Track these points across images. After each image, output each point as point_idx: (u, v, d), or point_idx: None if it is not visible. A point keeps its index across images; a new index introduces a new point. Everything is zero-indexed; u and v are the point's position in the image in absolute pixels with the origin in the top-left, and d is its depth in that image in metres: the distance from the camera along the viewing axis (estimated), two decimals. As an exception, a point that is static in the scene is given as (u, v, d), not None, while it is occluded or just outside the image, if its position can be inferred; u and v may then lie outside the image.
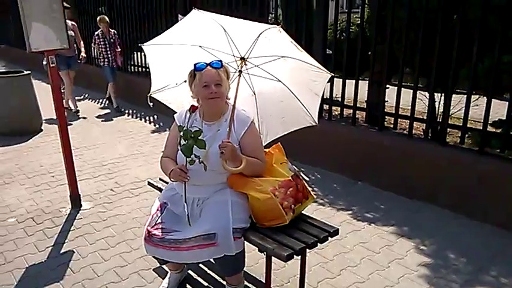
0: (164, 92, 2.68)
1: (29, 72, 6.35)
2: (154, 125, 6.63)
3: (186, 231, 2.28)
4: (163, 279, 2.76)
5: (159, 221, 2.35)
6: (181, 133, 2.25)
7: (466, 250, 3.16)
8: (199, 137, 2.21)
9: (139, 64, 7.98)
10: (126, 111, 7.60)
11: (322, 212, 3.71)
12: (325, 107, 4.78)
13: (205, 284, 2.79)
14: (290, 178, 2.42)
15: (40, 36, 3.39)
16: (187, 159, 2.23)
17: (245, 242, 2.37)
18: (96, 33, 7.30)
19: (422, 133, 4.52)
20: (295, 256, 2.24)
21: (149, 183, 3.15)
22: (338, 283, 2.78)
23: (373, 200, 3.99)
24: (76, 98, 7.88)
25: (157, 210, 2.43)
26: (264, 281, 2.58)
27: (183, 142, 2.24)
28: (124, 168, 4.81)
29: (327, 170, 4.64)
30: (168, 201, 2.47)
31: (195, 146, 2.20)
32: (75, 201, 3.84)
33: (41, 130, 6.32)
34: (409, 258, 3.06)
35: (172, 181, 2.43)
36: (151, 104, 2.64)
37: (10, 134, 5.94)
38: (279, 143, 2.68)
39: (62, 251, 3.16)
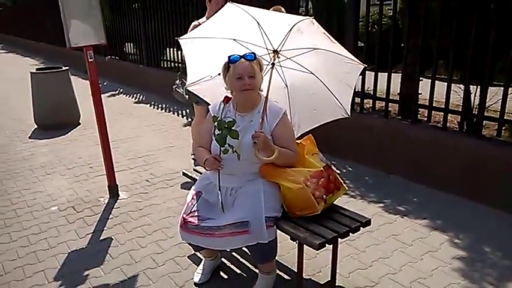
0: (199, 85, 2.75)
1: (67, 67, 6.58)
2: (187, 119, 6.75)
3: (220, 219, 2.35)
4: (197, 266, 2.85)
5: (194, 209, 2.44)
6: (216, 123, 2.32)
7: (502, 244, 3.09)
8: (232, 128, 2.28)
9: (172, 59, 8.15)
10: (159, 105, 7.53)
11: (353, 204, 3.71)
12: (357, 99, 4.75)
13: (238, 271, 2.86)
14: (322, 169, 2.44)
15: (79, 32, 3.52)
16: (221, 148, 2.30)
17: (277, 231, 2.42)
18: None
19: (457, 126, 4.43)
20: (326, 245, 2.27)
21: (184, 174, 3.24)
22: (370, 274, 2.79)
23: (405, 193, 3.95)
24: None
25: (192, 198, 2.52)
26: (295, 270, 2.63)
27: (217, 132, 2.31)
28: (159, 161, 4.94)
29: (359, 162, 4.62)
30: (203, 190, 2.55)
31: (228, 136, 2.27)
32: (113, 191, 3.99)
33: (79, 124, 6.54)
34: (442, 251, 3.03)
35: (207, 170, 2.51)
36: (186, 96, 2.71)
37: (50, 128, 6.19)
38: (311, 134, 2.72)
39: (101, 238, 3.31)
